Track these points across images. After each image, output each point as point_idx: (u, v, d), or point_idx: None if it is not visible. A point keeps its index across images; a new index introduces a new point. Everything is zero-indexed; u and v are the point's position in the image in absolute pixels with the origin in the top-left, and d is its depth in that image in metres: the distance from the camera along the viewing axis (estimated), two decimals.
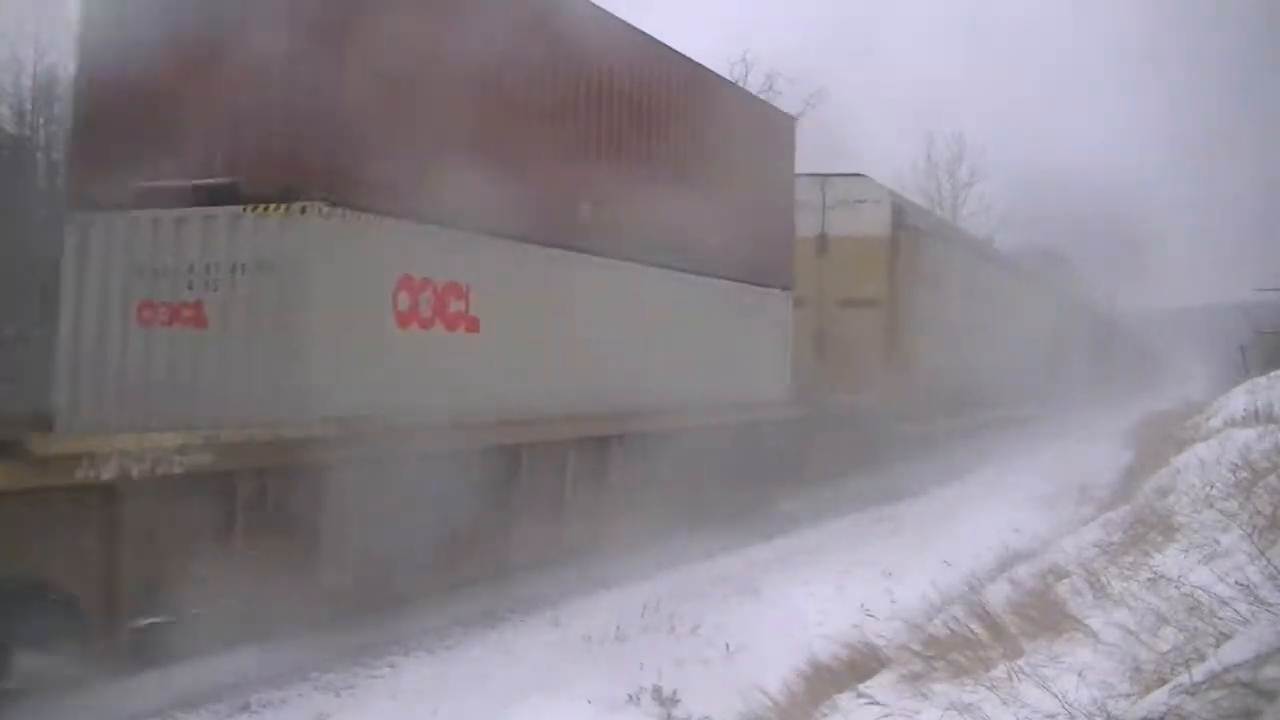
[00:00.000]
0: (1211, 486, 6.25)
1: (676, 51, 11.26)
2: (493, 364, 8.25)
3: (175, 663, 6.10)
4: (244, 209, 7.04)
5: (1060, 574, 5.67)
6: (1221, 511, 5.32)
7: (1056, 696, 3.45)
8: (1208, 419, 12.44)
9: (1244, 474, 6.16)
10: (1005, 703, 3.71)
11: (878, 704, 4.25)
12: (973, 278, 22.39)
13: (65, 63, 15.72)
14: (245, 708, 5.84)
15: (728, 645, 6.93)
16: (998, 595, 5.67)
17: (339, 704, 5.98)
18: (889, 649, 5.49)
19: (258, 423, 6.50)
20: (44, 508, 5.22)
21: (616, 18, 9.90)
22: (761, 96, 22.86)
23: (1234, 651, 2.73)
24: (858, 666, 5.33)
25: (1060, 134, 59.16)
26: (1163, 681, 3.08)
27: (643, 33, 10.58)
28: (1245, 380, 14.90)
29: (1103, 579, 4.96)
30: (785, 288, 13.85)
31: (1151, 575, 4.57)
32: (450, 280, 7.95)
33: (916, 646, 5.03)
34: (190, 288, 7.15)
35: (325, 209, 6.96)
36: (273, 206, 7.00)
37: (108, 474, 5.41)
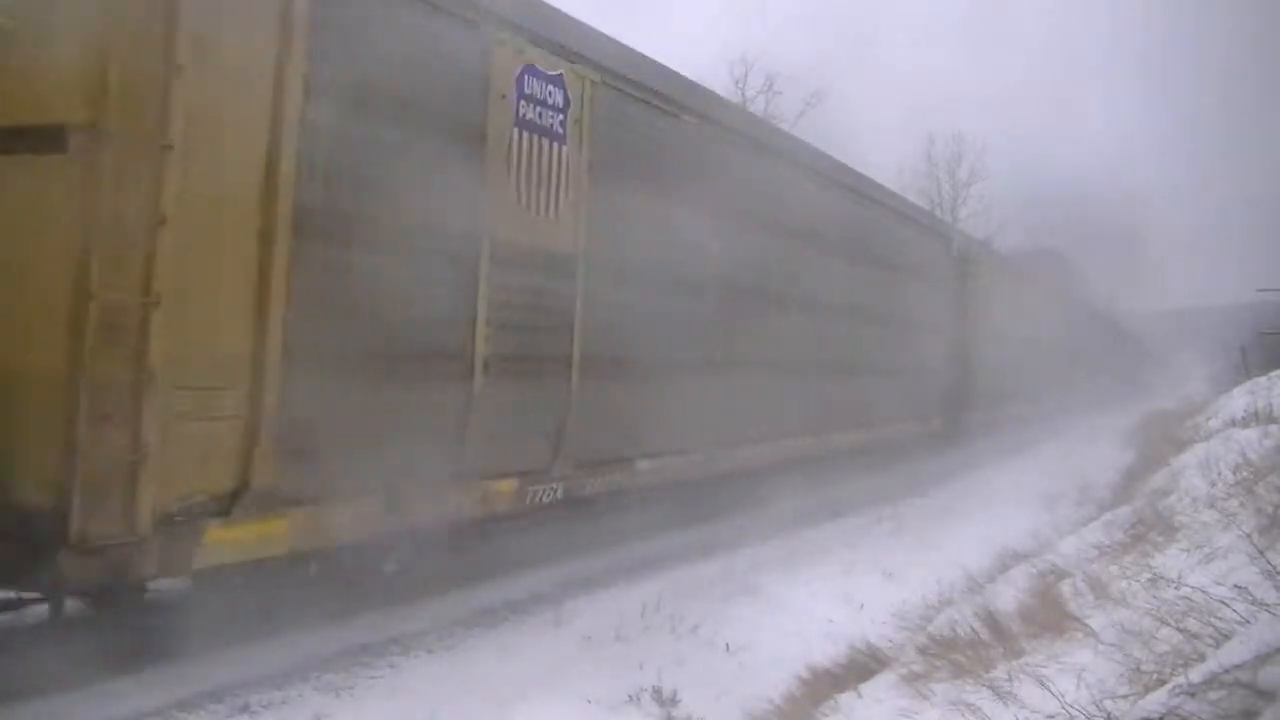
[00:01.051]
0: (1212, 486, 6.26)
1: None
2: None
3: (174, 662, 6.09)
4: None
5: (1060, 574, 5.67)
6: (1222, 512, 5.32)
7: (1057, 697, 3.45)
8: (1208, 419, 12.44)
9: (1244, 474, 6.17)
10: (1005, 703, 3.71)
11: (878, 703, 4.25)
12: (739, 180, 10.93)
13: None
14: (245, 708, 5.82)
15: (728, 645, 6.94)
16: (998, 596, 5.68)
17: (338, 704, 5.97)
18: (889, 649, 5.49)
19: None
20: None
21: None
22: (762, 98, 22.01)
23: (1234, 652, 2.73)
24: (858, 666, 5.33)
25: (1061, 134, 59.23)
26: (1163, 682, 3.08)
27: None
28: (1246, 381, 14.90)
29: (1103, 579, 4.97)
30: None
31: (1152, 576, 4.58)
32: None
33: (917, 646, 5.03)
34: None
35: None
36: None
37: None
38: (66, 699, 5.44)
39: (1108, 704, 3.27)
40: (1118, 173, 46.12)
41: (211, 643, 6.06)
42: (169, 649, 5.97)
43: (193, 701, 5.79)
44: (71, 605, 6.01)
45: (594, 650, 6.93)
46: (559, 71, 8.38)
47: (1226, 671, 2.60)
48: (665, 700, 5.92)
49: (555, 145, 8.32)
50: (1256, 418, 9.07)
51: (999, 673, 4.05)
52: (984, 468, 18.05)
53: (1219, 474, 6.62)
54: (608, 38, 9.37)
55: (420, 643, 7.11)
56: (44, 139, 5.15)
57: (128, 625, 6.05)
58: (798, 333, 12.77)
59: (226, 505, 5.75)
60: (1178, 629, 3.61)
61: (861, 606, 7.68)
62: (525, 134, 7.98)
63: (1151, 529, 5.93)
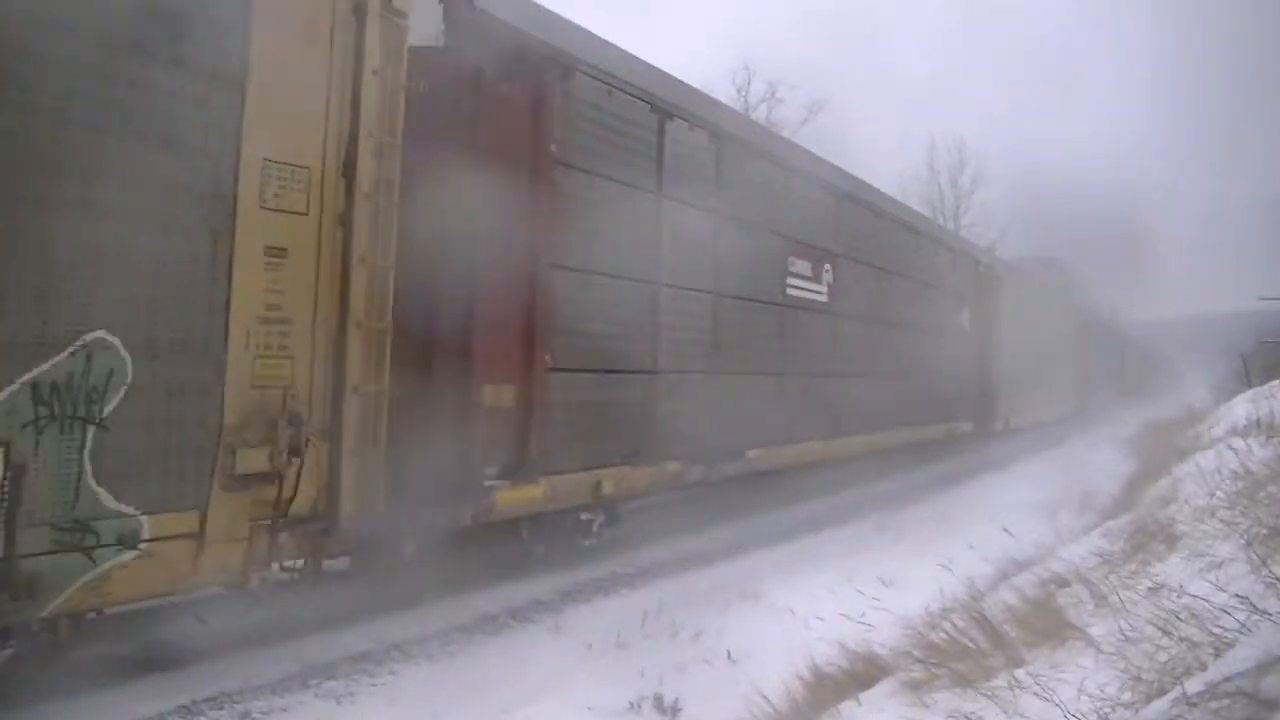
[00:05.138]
0: (1213, 496, 6.25)
1: None
2: None
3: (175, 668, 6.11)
4: None
5: (1062, 583, 5.67)
6: (1223, 521, 5.32)
7: (1058, 705, 3.45)
8: (1210, 428, 12.42)
9: (1245, 483, 6.16)
10: (1006, 711, 3.71)
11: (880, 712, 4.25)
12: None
13: None
14: (246, 715, 5.83)
15: (729, 652, 6.93)
16: (998, 603, 5.67)
17: (340, 711, 5.98)
18: (890, 657, 5.49)
19: None
20: None
21: None
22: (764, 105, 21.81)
23: (1235, 661, 2.73)
24: (859, 674, 5.33)
25: (1064, 141, 59.22)
26: (1164, 691, 3.09)
27: None
28: (1247, 389, 14.88)
29: (1104, 588, 4.96)
30: None
31: (1153, 584, 4.57)
32: None
33: (918, 654, 5.03)
34: None
35: None
36: None
37: None
38: (70, 705, 5.47)
39: (1109, 713, 3.27)
40: (1120, 180, 46.09)
41: (216, 648, 6.30)
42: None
43: (194, 708, 5.79)
44: None
45: (595, 657, 6.94)
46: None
47: (1228, 680, 2.60)
48: (667, 708, 5.91)
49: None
50: (1258, 426, 9.06)
51: (1000, 681, 4.05)
52: (990, 472, 18.04)
53: (1220, 483, 6.62)
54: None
55: (422, 649, 7.11)
56: None
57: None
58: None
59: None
60: (1179, 638, 3.61)
61: (863, 614, 7.65)
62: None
63: (1153, 538, 5.93)
